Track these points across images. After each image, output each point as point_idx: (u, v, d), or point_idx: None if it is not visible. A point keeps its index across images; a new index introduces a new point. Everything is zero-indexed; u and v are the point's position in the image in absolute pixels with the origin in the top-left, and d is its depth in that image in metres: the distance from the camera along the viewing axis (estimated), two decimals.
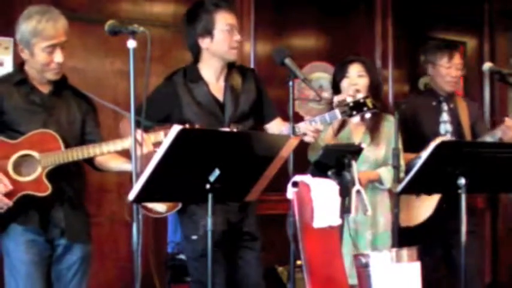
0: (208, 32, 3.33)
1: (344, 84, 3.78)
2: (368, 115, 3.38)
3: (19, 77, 3.12)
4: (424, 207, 3.91)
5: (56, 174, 3.02)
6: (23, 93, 3.10)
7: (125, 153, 3.08)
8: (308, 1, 5.19)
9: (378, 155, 3.76)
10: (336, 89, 3.81)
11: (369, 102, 3.33)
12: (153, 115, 3.14)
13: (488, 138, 3.98)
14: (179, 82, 3.40)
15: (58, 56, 3.05)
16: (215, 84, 3.43)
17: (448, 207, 3.83)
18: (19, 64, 3.19)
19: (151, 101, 3.13)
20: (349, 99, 3.32)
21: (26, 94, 3.10)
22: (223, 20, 3.34)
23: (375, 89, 3.80)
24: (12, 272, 3.02)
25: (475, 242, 4.00)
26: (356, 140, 3.71)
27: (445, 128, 4.17)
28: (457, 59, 4.17)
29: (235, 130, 3.27)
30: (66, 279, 3.14)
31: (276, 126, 3.53)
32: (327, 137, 3.72)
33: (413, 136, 4.05)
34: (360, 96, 3.35)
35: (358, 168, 3.61)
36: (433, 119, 4.17)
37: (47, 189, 3.00)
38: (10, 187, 2.94)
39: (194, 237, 3.30)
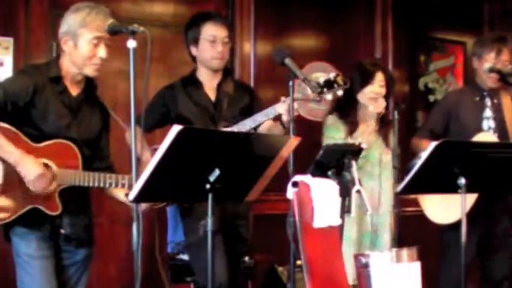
0: (195, 41, 3.62)
1: (367, 90, 3.76)
2: (340, 92, 3.31)
3: (56, 72, 3.04)
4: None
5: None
6: (56, 91, 3.02)
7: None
8: (308, 1, 5.19)
9: (387, 159, 3.80)
10: (351, 91, 3.71)
11: (339, 79, 3.31)
12: (152, 116, 3.48)
13: None
14: (177, 86, 3.66)
15: (102, 51, 3.01)
16: (209, 86, 3.65)
17: (485, 208, 3.82)
18: (55, 58, 3.13)
19: (151, 106, 3.56)
20: (322, 79, 3.28)
21: (58, 93, 3.02)
22: (208, 31, 3.59)
23: (387, 99, 3.82)
24: (25, 268, 2.98)
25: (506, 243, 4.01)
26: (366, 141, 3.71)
27: (488, 124, 4.05)
28: (505, 55, 4.01)
29: (227, 128, 3.41)
30: (67, 275, 3.13)
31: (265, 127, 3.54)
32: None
33: (455, 131, 4.02)
34: (332, 75, 3.32)
35: (372, 169, 3.67)
36: (476, 115, 4.06)
37: (57, 209, 2.96)
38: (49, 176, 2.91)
39: (195, 224, 3.33)
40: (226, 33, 3.62)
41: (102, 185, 3.00)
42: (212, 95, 3.63)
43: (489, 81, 4.05)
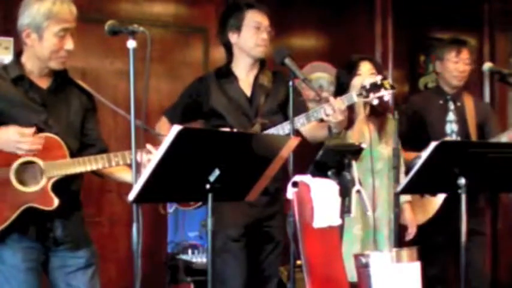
0: (237, 27, 3.51)
1: (356, 82, 3.69)
2: (386, 97, 3.33)
3: (16, 72, 2.86)
4: (429, 206, 3.89)
5: (56, 182, 2.84)
6: (21, 91, 2.85)
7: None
8: (308, 1, 5.19)
9: (389, 152, 3.78)
10: (341, 88, 3.72)
11: (386, 83, 3.31)
12: (181, 109, 3.54)
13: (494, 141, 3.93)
14: (211, 79, 3.57)
15: (69, 43, 2.83)
16: (244, 80, 3.56)
17: (453, 207, 3.83)
18: (16, 56, 2.96)
19: (181, 99, 3.56)
20: (367, 82, 3.31)
21: (24, 91, 2.86)
22: (252, 18, 3.51)
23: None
24: (8, 279, 2.83)
25: (476, 239, 4.00)
26: (366, 137, 3.70)
27: (451, 127, 4.11)
28: (465, 54, 4.13)
29: (259, 125, 3.44)
30: (77, 281, 2.96)
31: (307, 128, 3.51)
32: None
33: (420, 135, 4.03)
34: (378, 78, 3.33)
35: (374, 166, 3.66)
36: (440, 118, 4.12)
37: (53, 203, 2.79)
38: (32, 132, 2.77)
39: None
40: (269, 22, 3.57)
41: (94, 167, 2.85)
42: (247, 90, 3.54)
43: (454, 80, 4.13)
